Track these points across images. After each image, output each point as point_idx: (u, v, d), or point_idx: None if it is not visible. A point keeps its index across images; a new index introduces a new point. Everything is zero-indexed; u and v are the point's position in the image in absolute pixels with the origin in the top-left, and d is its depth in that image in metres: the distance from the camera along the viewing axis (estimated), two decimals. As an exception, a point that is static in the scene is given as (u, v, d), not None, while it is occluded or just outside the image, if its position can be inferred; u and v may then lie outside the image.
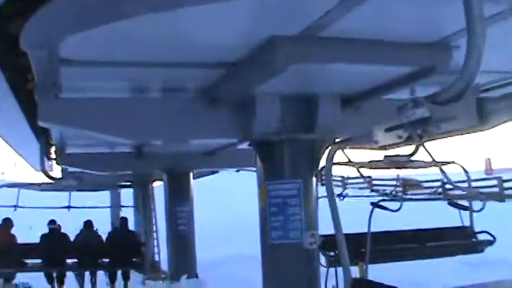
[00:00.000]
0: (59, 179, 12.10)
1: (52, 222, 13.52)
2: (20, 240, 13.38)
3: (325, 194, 3.96)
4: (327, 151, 4.00)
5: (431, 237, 7.91)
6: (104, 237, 14.32)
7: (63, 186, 12.79)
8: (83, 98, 5.71)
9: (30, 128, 8.22)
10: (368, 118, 5.39)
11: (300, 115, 5.98)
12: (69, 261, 13.28)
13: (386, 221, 7.13)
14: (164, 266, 13.66)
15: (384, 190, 31.52)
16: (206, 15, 3.59)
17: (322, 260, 7.04)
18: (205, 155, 11.44)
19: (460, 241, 7.90)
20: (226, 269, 13.93)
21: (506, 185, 27.38)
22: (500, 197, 26.09)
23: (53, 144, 10.02)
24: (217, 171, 22.42)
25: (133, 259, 13.42)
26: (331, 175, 4.10)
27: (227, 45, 4.41)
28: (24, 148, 11.50)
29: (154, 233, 14.88)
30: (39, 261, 12.84)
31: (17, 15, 4.19)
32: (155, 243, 15.07)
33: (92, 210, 15.60)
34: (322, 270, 6.73)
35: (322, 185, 8.74)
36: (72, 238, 13.85)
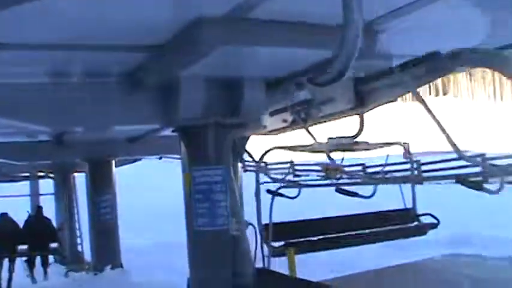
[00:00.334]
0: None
1: None
2: None
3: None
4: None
5: (373, 221, 7.55)
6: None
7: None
8: None
9: None
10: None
11: (225, 99, 5.90)
12: None
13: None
14: (88, 257, 13.37)
15: (307, 175, 32.10)
16: None
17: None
18: (127, 142, 11.18)
19: (403, 224, 7.64)
20: (151, 257, 13.80)
21: (424, 167, 28.38)
22: (418, 180, 26.99)
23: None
24: (139, 159, 22.09)
25: (50, 244, 13.64)
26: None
27: (152, 27, 4.25)
28: None
29: (77, 223, 14.52)
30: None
31: None
32: (77, 233, 14.72)
33: (13, 201, 15.09)
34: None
35: (245, 171, 8.74)
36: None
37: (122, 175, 14.27)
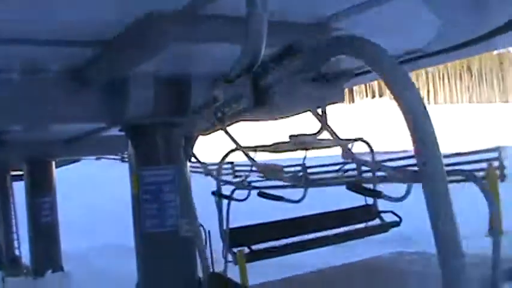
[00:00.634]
0: None
1: None
2: None
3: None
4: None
5: (335, 220, 7.15)
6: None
7: None
8: None
9: None
10: None
11: (174, 97, 5.75)
12: None
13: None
14: (27, 261, 12.93)
15: (247, 176, 32.01)
16: None
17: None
18: (67, 142, 10.87)
19: (365, 222, 7.32)
20: (91, 260, 13.46)
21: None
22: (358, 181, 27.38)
23: None
24: (78, 160, 21.56)
25: None
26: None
27: (101, 22, 4.02)
28: None
29: (14, 227, 14.03)
30: None
31: None
32: (14, 236, 14.23)
33: None
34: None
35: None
36: None
37: (62, 176, 13.89)
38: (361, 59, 2.65)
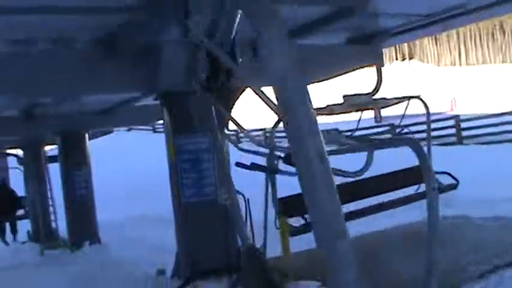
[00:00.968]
0: None
1: None
2: None
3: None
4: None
5: (389, 184, 6.71)
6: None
7: None
8: None
9: None
10: None
11: (209, 62, 5.52)
12: None
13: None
14: (63, 233, 12.99)
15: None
16: None
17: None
18: (99, 114, 10.79)
19: (419, 184, 6.75)
20: (128, 231, 13.45)
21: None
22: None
23: None
24: (111, 131, 21.57)
25: (16, 211, 16.05)
26: None
27: None
28: None
29: (50, 200, 14.08)
30: None
31: None
32: (51, 209, 14.30)
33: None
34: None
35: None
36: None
37: (95, 148, 13.89)
38: None
